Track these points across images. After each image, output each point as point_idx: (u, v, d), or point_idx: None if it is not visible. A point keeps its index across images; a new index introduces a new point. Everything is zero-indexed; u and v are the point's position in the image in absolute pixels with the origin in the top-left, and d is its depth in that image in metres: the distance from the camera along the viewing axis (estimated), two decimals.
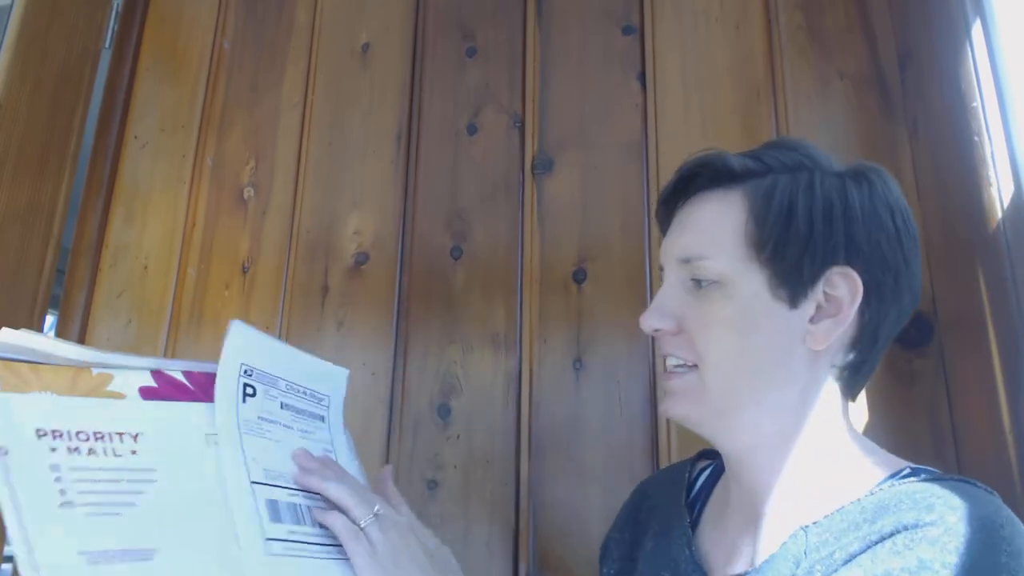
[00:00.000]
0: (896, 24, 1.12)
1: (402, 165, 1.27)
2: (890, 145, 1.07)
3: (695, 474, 0.76)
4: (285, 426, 0.65)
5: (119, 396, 0.56)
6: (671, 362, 0.64)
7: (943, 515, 0.48)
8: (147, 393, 0.57)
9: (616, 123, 1.19)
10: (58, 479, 0.49)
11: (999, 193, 0.85)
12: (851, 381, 0.62)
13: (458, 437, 1.12)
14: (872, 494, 0.54)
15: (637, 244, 1.13)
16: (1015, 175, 0.83)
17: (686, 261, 0.62)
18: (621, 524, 0.79)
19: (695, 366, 0.61)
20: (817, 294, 0.59)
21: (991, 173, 0.87)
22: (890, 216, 0.60)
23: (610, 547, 0.78)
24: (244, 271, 1.30)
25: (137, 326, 1.31)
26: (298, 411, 0.67)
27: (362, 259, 1.24)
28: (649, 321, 0.64)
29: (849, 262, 0.59)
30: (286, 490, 0.60)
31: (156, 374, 0.59)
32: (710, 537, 0.67)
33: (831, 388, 0.61)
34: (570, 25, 1.26)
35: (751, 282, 0.59)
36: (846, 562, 0.51)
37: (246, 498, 0.56)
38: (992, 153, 0.87)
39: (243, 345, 0.63)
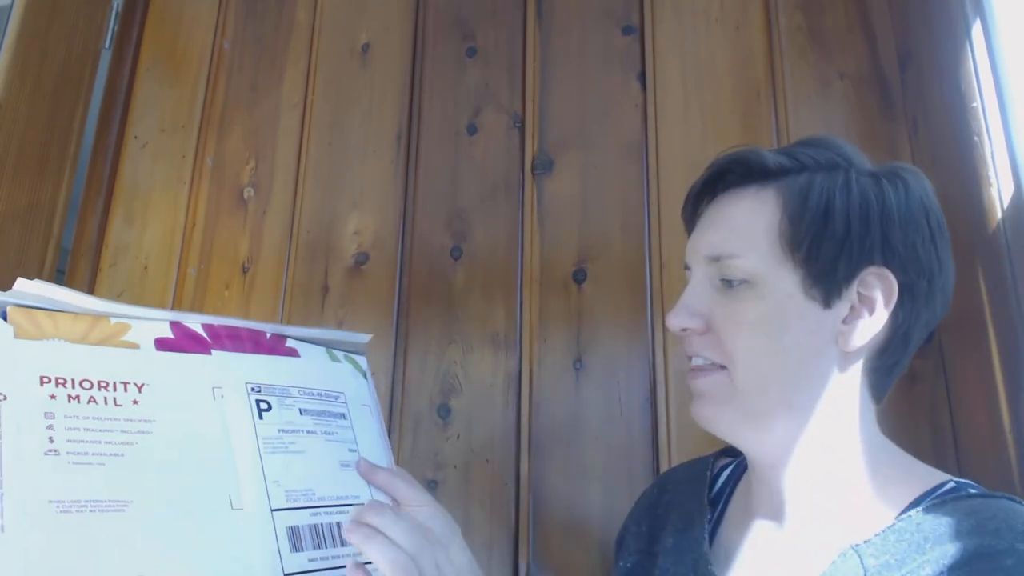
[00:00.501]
0: (896, 24, 1.12)
1: (402, 165, 1.27)
2: (890, 145, 1.07)
3: (716, 471, 0.74)
4: (309, 431, 0.63)
5: (133, 346, 0.56)
6: (696, 362, 0.62)
7: (1013, 543, 0.48)
8: (162, 344, 0.57)
9: (616, 123, 1.19)
10: (50, 427, 0.50)
11: (999, 193, 0.85)
12: (880, 383, 0.61)
13: (458, 437, 1.12)
14: (923, 510, 0.53)
15: (637, 244, 1.13)
16: (1015, 175, 0.83)
17: (716, 259, 0.61)
18: (639, 517, 0.78)
19: (723, 367, 0.60)
20: (851, 294, 0.58)
21: (991, 173, 0.87)
22: (925, 218, 0.59)
23: (627, 540, 0.77)
24: (244, 271, 1.30)
25: None
26: (318, 413, 0.66)
27: (362, 259, 1.24)
28: (677, 320, 0.61)
29: (885, 263, 0.58)
30: (308, 510, 0.59)
31: (175, 325, 0.58)
32: (732, 538, 0.66)
33: (861, 391, 0.60)
34: (570, 25, 1.26)
35: (784, 281, 0.58)
36: None
37: (266, 530, 0.56)
38: (992, 153, 0.87)
39: (237, 367, 0.62)
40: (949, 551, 0.49)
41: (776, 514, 0.62)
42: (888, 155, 1.06)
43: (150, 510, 0.51)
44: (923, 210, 0.59)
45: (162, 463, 0.53)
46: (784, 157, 0.61)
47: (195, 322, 0.60)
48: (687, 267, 0.65)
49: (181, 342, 0.58)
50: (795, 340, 0.58)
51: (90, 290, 1.34)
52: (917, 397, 0.97)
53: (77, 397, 0.51)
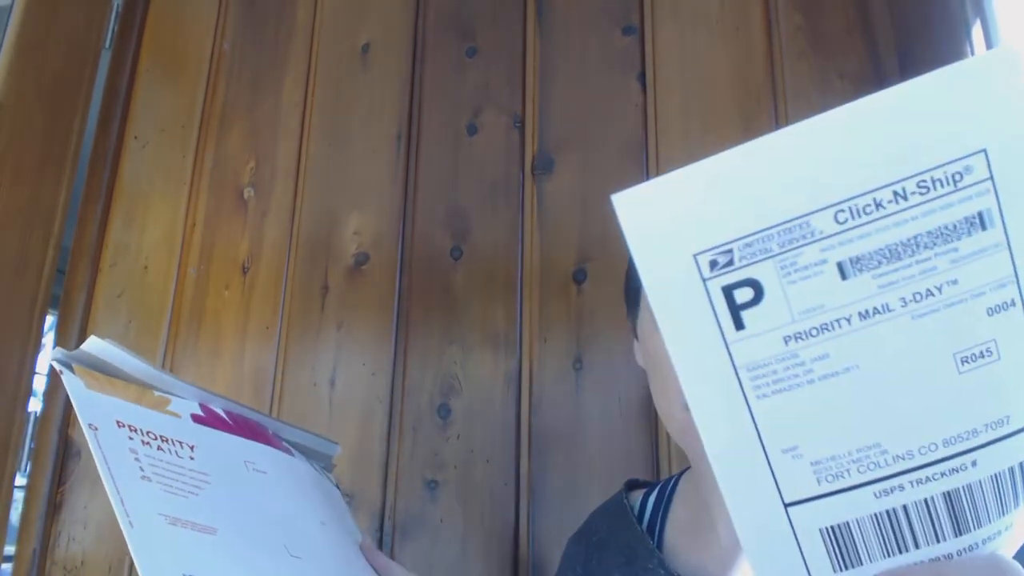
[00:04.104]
0: (896, 24, 1.12)
1: (402, 165, 1.27)
2: None
3: (636, 503, 0.74)
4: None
5: (176, 415, 0.63)
6: None
7: None
8: (197, 419, 0.64)
9: (616, 123, 1.19)
10: (136, 459, 0.55)
11: None
12: None
13: (458, 437, 1.12)
14: None
15: None
16: None
17: None
18: (571, 564, 0.77)
19: None
20: None
21: None
22: None
23: None
24: (244, 271, 1.30)
25: (137, 326, 1.31)
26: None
27: (362, 259, 1.24)
28: None
29: None
30: None
31: (203, 407, 0.66)
32: (698, 557, 0.66)
33: None
34: (570, 25, 1.26)
35: None
36: None
37: None
38: None
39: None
40: None
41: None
42: None
43: (234, 539, 0.57)
44: None
45: (230, 509, 0.59)
46: None
47: (219, 407, 0.68)
48: None
49: (211, 420, 0.66)
50: None
51: (90, 290, 1.34)
52: None
53: (148, 443, 0.57)
